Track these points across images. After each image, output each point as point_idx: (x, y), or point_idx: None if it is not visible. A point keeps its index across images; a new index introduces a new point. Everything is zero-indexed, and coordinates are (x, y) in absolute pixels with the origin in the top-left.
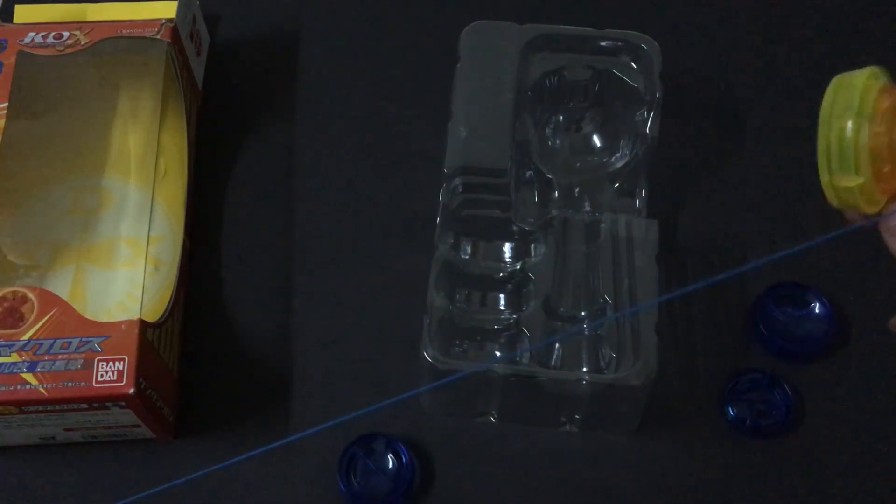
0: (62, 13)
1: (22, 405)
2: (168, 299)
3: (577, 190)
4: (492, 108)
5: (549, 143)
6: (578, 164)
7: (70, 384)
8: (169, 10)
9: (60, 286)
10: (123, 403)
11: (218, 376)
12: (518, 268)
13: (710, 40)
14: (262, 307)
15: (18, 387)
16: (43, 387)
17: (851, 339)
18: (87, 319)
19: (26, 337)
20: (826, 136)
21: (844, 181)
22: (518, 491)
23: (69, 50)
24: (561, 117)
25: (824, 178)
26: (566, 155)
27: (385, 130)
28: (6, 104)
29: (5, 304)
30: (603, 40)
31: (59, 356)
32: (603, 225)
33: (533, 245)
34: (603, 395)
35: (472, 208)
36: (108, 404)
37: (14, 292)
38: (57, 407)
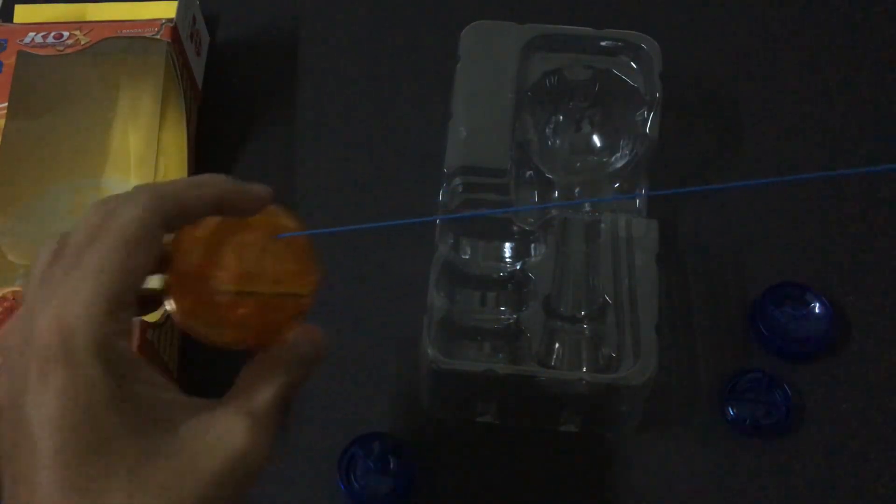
0: (62, 13)
1: None
2: None
3: (577, 190)
4: (492, 108)
5: (549, 143)
6: (578, 164)
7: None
8: (169, 10)
9: None
10: None
11: (218, 376)
12: (518, 268)
13: (710, 40)
14: None
15: None
16: None
17: (851, 339)
18: None
19: None
20: None
21: None
22: (518, 491)
23: (69, 50)
24: (561, 117)
25: None
26: (566, 155)
27: (385, 130)
28: (6, 104)
29: (5, 304)
30: (603, 40)
31: None
32: (603, 225)
33: (533, 245)
34: (603, 395)
35: (472, 208)
36: None
37: (14, 292)
38: None
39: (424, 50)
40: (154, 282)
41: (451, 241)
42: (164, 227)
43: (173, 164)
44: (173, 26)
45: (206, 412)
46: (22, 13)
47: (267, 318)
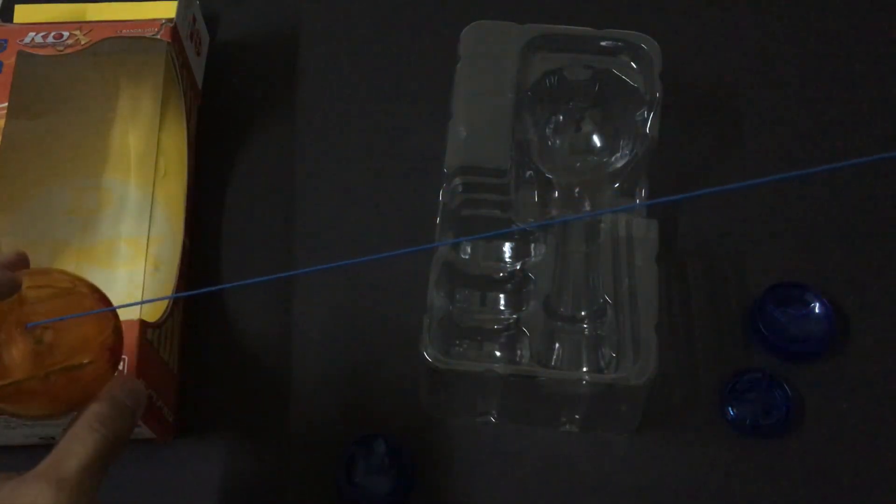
0: (62, 13)
1: None
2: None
3: (577, 190)
4: (492, 108)
5: (549, 143)
6: (578, 164)
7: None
8: (169, 10)
9: None
10: None
11: (218, 376)
12: (518, 268)
13: (710, 40)
14: (262, 307)
15: None
16: None
17: (851, 339)
18: None
19: None
20: None
21: None
22: (518, 491)
23: (69, 50)
24: (561, 117)
25: None
26: (566, 155)
27: (385, 130)
28: (6, 104)
29: None
30: (603, 40)
31: None
32: (603, 225)
33: (533, 245)
34: (603, 395)
35: (472, 208)
36: None
37: None
38: None
39: (424, 50)
40: None
41: None
42: None
43: (173, 164)
44: (173, 26)
45: (13, 486)
46: (22, 13)
47: (61, 393)
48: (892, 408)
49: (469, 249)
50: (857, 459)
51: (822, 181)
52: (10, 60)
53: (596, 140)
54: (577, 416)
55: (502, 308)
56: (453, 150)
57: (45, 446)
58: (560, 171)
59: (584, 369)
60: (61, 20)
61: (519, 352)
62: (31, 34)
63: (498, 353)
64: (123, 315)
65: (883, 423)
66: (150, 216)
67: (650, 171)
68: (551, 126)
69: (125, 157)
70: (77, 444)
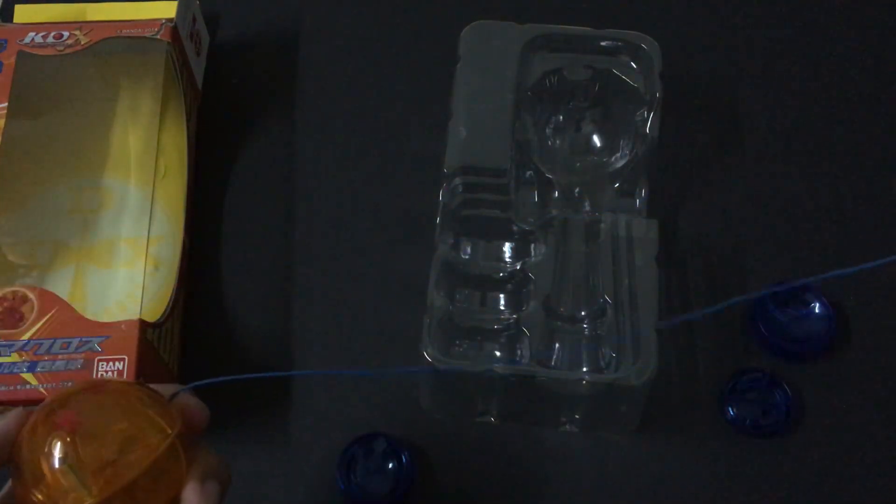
0: (62, 13)
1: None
2: (168, 299)
3: (577, 190)
4: (492, 108)
5: (549, 143)
6: (578, 164)
7: (70, 384)
8: (169, 10)
9: (60, 286)
10: None
11: (218, 376)
12: (518, 268)
13: (710, 40)
14: (262, 307)
15: (18, 387)
16: (43, 387)
17: (851, 339)
18: (86, 319)
19: (26, 337)
20: None
21: None
22: (518, 491)
23: (69, 50)
24: (561, 117)
25: None
26: (566, 155)
27: (385, 130)
28: (6, 104)
29: (5, 304)
30: (603, 40)
31: (59, 356)
32: (603, 225)
33: (533, 245)
34: (603, 395)
35: (472, 208)
36: None
37: (14, 292)
38: None
39: (424, 50)
40: None
41: (451, 241)
42: None
43: (173, 164)
44: (173, 26)
45: None
46: (22, 13)
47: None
48: (892, 408)
49: (469, 249)
50: (857, 459)
51: (821, 182)
52: (10, 60)
53: (596, 140)
54: (577, 416)
55: (502, 308)
56: (453, 150)
57: None
58: (560, 171)
59: (584, 369)
60: (61, 20)
61: (519, 352)
62: (31, 34)
63: (498, 353)
64: (123, 315)
65: (883, 422)
66: (150, 216)
67: (650, 171)
68: (551, 126)
69: (125, 157)
70: None
